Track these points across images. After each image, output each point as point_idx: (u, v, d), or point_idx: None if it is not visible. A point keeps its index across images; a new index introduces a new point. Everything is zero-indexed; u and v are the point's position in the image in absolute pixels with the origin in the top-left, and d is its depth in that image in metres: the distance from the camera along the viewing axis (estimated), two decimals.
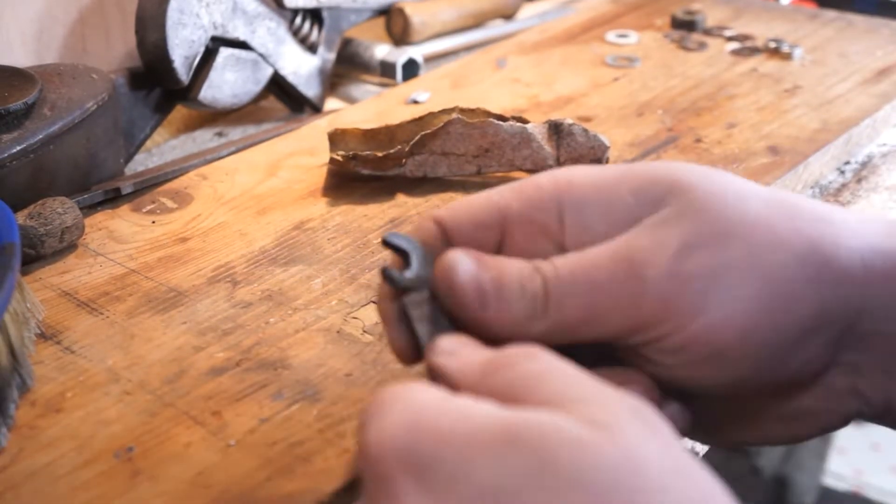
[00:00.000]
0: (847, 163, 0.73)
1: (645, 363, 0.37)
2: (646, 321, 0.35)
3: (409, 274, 0.37)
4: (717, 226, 0.35)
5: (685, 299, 0.34)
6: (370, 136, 0.68)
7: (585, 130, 0.65)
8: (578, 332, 0.36)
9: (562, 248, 0.38)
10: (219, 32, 0.74)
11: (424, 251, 0.38)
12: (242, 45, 0.77)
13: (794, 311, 0.35)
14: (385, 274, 0.37)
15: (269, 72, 0.79)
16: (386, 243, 0.38)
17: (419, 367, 0.38)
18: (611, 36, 0.92)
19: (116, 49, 0.79)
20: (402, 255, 0.38)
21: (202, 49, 0.73)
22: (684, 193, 0.36)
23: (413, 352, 0.38)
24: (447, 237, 0.39)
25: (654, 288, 0.35)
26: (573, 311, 0.35)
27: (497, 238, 0.39)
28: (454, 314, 0.37)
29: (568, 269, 0.36)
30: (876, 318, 0.36)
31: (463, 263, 0.36)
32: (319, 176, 0.66)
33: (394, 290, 0.38)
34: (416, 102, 0.78)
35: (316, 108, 0.84)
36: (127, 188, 0.66)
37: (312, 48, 0.84)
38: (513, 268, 0.36)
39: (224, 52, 0.74)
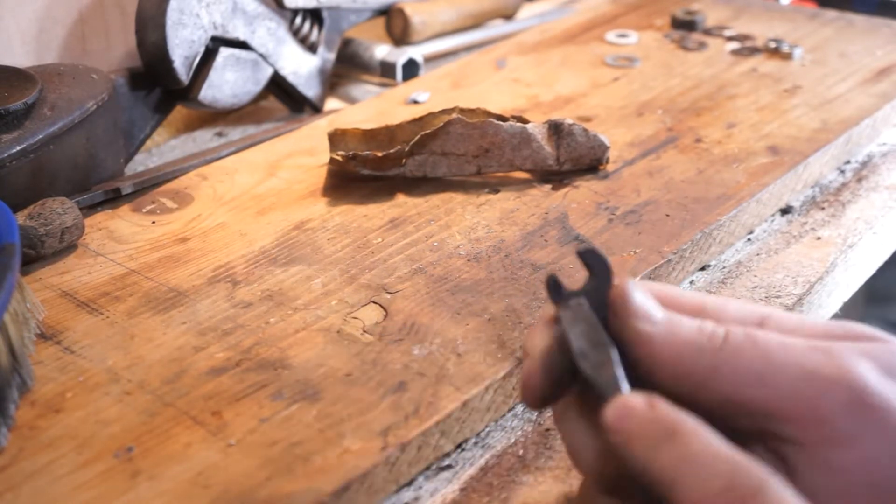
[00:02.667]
0: (847, 162, 0.73)
1: (789, 473, 0.34)
2: (820, 416, 0.32)
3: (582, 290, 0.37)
4: None
5: (861, 422, 0.32)
6: (370, 136, 0.68)
7: (585, 130, 0.65)
8: (742, 391, 0.33)
9: None
10: (219, 32, 0.74)
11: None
12: (242, 46, 0.77)
13: None
14: (551, 282, 0.37)
15: (269, 72, 0.79)
16: (583, 254, 0.38)
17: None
18: (611, 36, 0.92)
19: (116, 49, 0.79)
20: (591, 273, 0.37)
21: (202, 49, 0.73)
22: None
23: (550, 391, 0.36)
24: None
25: (842, 393, 0.32)
26: (748, 362, 0.33)
27: None
28: (616, 330, 0.36)
29: (761, 334, 0.34)
30: None
31: (639, 285, 0.35)
32: (319, 176, 0.66)
33: (554, 302, 0.37)
34: (416, 102, 0.78)
35: (316, 109, 0.84)
36: (127, 188, 0.66)
37: (312, 48, 0.84)
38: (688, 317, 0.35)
39: (224, 53, 0.74)
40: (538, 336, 0.37)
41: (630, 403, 0.32)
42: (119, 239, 0.59)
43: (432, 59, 0.93)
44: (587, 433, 0.36)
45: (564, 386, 0.37)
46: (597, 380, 0.34)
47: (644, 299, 0.35)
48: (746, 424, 0.34)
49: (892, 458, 0.32)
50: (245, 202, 0.63)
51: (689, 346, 0.34)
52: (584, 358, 0.35)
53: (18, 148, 0.58)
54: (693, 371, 0.34)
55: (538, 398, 0.37)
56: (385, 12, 0.93)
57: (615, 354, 0.35)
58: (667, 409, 0.32)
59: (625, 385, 0.34)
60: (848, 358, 0.33)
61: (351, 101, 0.87)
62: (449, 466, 0.45)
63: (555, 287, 0.37)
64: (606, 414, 0.33)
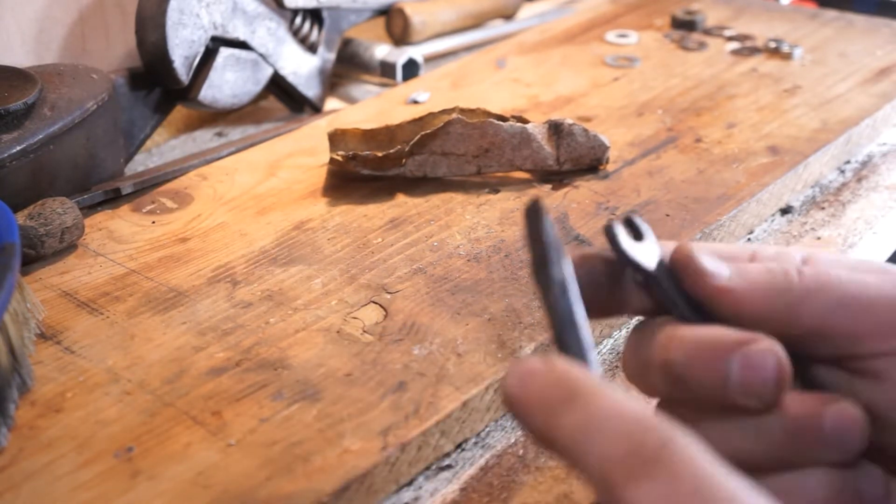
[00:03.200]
0: (847, 162, 0.73)
1: (870, 385, 0.34)
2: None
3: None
4: None
5: None
6: (370, 136, 0.67)
7: (585, 130, 0.65)
8: (827, 321, 0.34)
9: None
10: (219, 32, 0.74)
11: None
12: (242, 46, 0.77)
13: None
14: (611, 231, 0.35)
15: (269, 72, 0.79)
16: (627, 221, 0.36)
17: None
18: (611, 36, 0.92)
19: (116, 49, 0.79)
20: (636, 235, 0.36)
21: (202, 49, 0.73)
22: None
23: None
24: None
25: None
26: (827, 294, 0.34)
27: None
28: (691, 290, 0.35)
29: (824, 266, 0.35)
30: None
31: (696, 245, 0.35)
32: (319, 176, 0.66)
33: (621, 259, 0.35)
34: (416, 102, 0.78)
35: (316, 108, 0.84)
36: (127, 188, 0.66)
37: (312, 48, 0.84)
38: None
39: (224, 53, 0.74)
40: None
41: (528, 366, 0.30)
42: (119, 239, 0.59)
43: (432, 59, 0.93)
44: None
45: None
46: (545, 302, 0.33)
47: (708, 256, 0.35)
48: (828, 351, 0.35)
49: None
50: (245, 202, 0.63)
51: (767, 288, 0.34)
52: (536, 278, 0.33)
53: (18, 148, 0.58)
54: (776, 310, 0.34)
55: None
56: (385, 12, 0.93)
57: (561, 282, 0.33)
58: (565, 368, 0.30)
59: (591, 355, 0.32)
60: None
61: (351, 101, 0.87)
62: (449, 466, 0.45)
63: (618, 247, 0.35)
64: (505, 383, 0.31)
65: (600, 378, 0.30)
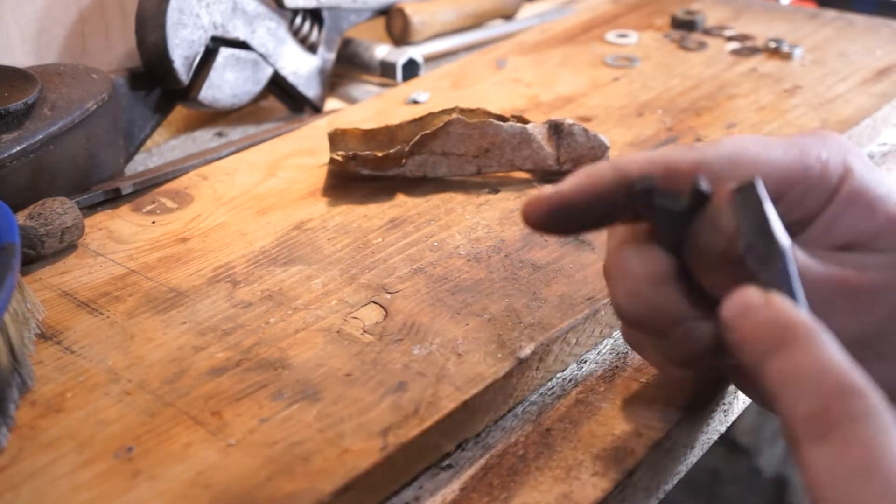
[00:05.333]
0: None
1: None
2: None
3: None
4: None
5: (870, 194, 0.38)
6: (370, 136, 0.67)
7: (585, 130, 0.65)
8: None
9: None
10: (219, 32, 0.74)
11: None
12: (242, 45, 0.77)
13: None
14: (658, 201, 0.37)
15: (269, 72, 0.79)
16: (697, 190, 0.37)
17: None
18: (611, 36, 0.92)
19: (116, 49, 0.79)
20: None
21: (202, 49, 0.73)
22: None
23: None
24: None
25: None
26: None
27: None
28: None
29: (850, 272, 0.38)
30: None
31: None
32: (319, 176, 0.66)
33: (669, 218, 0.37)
34: (416, 102, 0.78)
35: (316, 108, 0.84)
36: (127, 188, 0.66)
37: (312, 48, 0.84)
38: None
39: (224, 52, 0.74)
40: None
41: (748, 299, 0.32)
42: (119, 239, 0.59)
43: (432, 59, 0.93)
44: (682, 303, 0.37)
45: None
46: (762, 276, 0.33)
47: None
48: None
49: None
50: (245, 202, 0.63)
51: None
52: (751, 252, 0.34)
53: (18, 148, 0.58)
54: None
55: (547, 219, 0.39)
56: (385, 12, 0.93)
57: (787, 251, 0.34)
58: (783, 310, 0.31)
59: (797, 287, 0.33)
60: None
61: (351, 101, 0.87)
62: (449, 466, 0.45)
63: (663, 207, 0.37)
64: (725, 309, 0.32)
65: (815, 322, 0.31)
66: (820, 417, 0.28)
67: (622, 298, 0.39)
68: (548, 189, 0.38)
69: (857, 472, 0.26)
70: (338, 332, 0.50)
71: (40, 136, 0.60)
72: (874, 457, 0.26)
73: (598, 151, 0.65)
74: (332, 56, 0.85)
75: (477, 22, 0.99)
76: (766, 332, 0.31)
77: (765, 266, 0.33)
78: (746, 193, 0.35)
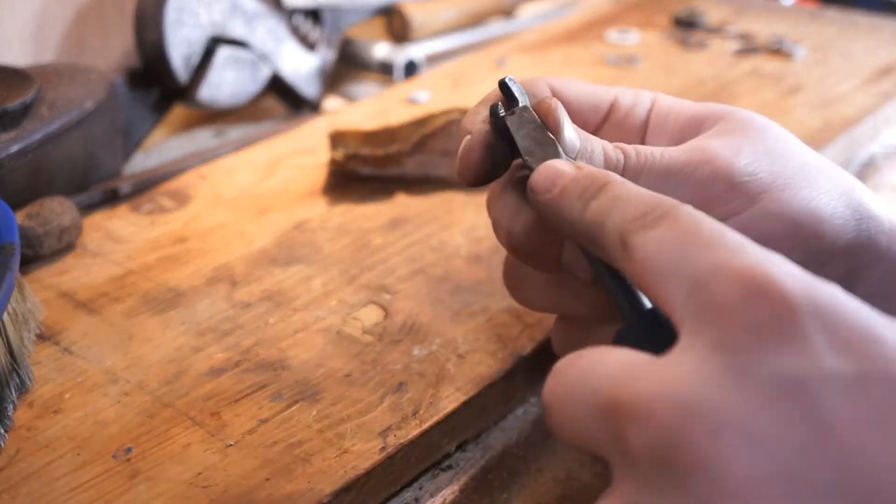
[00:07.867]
0: (849, 162, 0.73)
1: None
2: (713, 198, 0.39)
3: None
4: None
5: (751, 183, 0.39)
6: (370, 136, 0.67)
7: None
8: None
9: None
10: (218, 32, 0.74)
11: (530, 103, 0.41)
12: (242, 45, 0.76)
13: (827, 234, 0.39)
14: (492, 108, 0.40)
15: (268, 71, 0.79)
16: (502, 85, 0.41)
17: None
18: (612, 35, 0.92)
19: (115, 48, 0.79)
20: (511, 100, 0.40)
21: (201, 48, 0.73)
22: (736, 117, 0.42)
23: (487, 169, 0.40)
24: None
25: (723, 172, 0.39)
26: (648, 183, 0.39)
27: (597, 124, 0.44)
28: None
29: (648, 150, 0.40)
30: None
31: (562, 106, 0.40)
32: (319, 176, 0.66)
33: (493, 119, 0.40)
34: (416, 102, 0.78)
35: (315, 108, 0.84)
36: (125, 188, 0.65)
37: (312, 47, 0.84)
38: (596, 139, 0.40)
39: (223, 52, 0.74)
40: (479, 117, 0.41)
41: (556, 168, 0.36)
42: (118, 239, 0.59)
43: (432, 58, 0.93)
44: (517, 208, 0.39)
45: (499, 169, 0.40)
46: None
47: (564, 113, 0.40)
48: None
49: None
50: (244, 202, 0.63)
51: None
52: (531, 155, 0.38)
53: (17, 148, 0.58)
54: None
55: (475, 174, 0.40)
56: (385, 11, 0.92)
57: (559, 149, 0.38)
58: (595, 168, 0.36)
59: None
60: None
61: (351, 100, 0.86)
62: (449, 467, 0.45)
63: (509, 91, 0.41)
64: (536, 176, 0.36)
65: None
66: (649, 214, 0.31)
67: (505, 241, 0.41)
68: (465, 144, 0.41)
69: (685, 240, 0.30)
70: (337, 332, 0.49)
71: (38, 136, 0.59)
72: (699, 227, 0.30)
73: None
74: (331, 55, 0.85)
75: (477, 20, 0.99)
76: (586, 182, 0.35)
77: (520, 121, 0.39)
78: (521, 112, 0.40)
